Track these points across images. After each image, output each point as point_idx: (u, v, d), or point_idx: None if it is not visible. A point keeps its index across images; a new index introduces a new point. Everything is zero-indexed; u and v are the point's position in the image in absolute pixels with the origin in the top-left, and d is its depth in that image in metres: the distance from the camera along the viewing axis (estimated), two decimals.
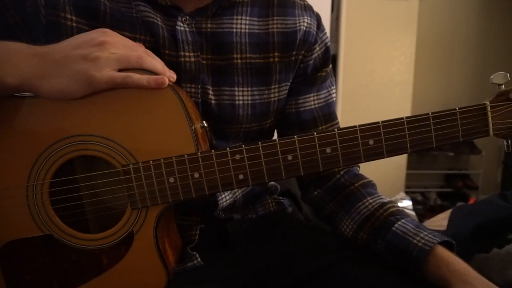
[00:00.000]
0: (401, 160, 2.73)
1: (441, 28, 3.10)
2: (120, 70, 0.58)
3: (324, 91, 0.82)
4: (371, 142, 0.59)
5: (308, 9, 0.79)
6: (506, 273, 1.23)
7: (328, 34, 0.84)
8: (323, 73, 0.81)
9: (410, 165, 2.85)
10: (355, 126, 0.59)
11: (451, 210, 1.51)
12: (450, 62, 3.16)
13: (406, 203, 2.04)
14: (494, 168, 3.20)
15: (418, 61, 2.69)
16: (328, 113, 0.82)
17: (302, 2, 0.79)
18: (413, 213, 1.99)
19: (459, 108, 0.59)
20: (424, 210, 2.94)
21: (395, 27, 2.57)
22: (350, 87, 2.58)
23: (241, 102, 0.73)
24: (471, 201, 2.17)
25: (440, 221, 1.61)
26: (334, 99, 0.84)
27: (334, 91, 0.85)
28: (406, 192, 2.41)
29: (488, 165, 3.13)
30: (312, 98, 0.80)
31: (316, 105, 0.81)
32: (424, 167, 3.19)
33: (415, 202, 2.76)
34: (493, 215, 1.29)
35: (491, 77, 0.60)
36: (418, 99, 2.79)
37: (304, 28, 0.76)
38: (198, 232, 0.75)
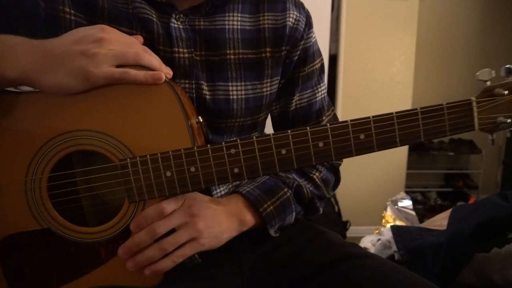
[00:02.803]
0: (401, 159, 2.73)
1: (441, 28, 3.10)
2: (118, 66, 0.60)
3: (308, 90, 0.83)
4: (362, 136, 0.60)
5: (299, 5, 0.80)
6: (506, 272, 1.23)
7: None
8: (307, 71, 0.82)
9: (410, 165, 2.85)
10: (346, 121, 0.61)
11: (451, 209, 1.51)
12: (450, 62, 3.16)
13: (406, 203, 2.03)
14: (494, 167, 3.20)
15: (418, 61, 2.69)
16: (307, 113, 0.84)
17: None
18: (413, 212, 1.99)
19: (446, 103, 0.61)
20: (424, 209, 2.94)
21: (395, 27, 2.57)
22: (350, 87, 2.58)
23: (235, 96, 0.74)
24: (471, 201, 2.16)
25: (440, 220, 1.61)
26: (320, 97, 0.85)
27: (321, 89, 0.85)
28: (406, 192, 2.40)
29: (488, 165, 3.12)
30: (294, 99, 0.82)
31: (297, 105, 0.83)
32: (424, 166, 3.19)
33: (415, 201, 2.75)
34: (493, 214, 1.30)
35: (477, 73, 0.63)
36: (418, 98, 2.79)
37: (291, 24, 0.77)
38: None
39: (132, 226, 0.63)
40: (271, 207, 0.74)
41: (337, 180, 0.89)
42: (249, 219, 0.73)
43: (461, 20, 3.12)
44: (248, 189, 0.74)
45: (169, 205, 0.63)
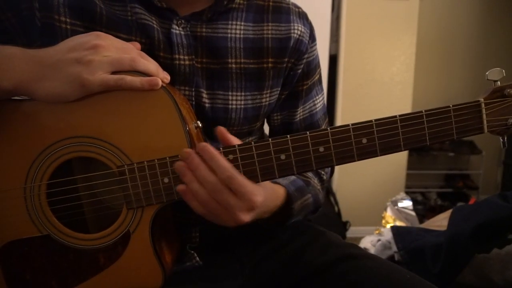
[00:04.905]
0: (401, 160, 2.73)
1: (441, 28, 3.10)
2: (114, 73, 0.59)
3: (309, 101, 0.83)
4: (364, 140, 0.59)
5: (303, 17, 0.79)
6: (506, 273, 1.23)
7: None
8: (309, 84, 0.82)
9: (410, 165, 2.85)
10: (348, 125, 0.59)
11: (452, 210, 1.51)
12: (450, 62, 3.16)
13: (406, 203, 2.04)
14: (494, 168, 3.20)
15: (418, 61, 2.69)
16: (310, 123, 0.84)
17: (297, 9, 0.79)
18: (413, 213, 1.99)
19: (452, 106, 0.59)
20: (425, 210, 2.94)
21: (395, 27, 2.57)
22: (350, 87, 2.58)
23: (234, 106, 0.74)
24: (472, 201, 2.16)
25: (441, 221, 1.61)
26: (319, 107, 0.85)
27: (321, 98, 0.86)
28: (406, 192, 2.40)
29: (489, 165, 3.13)
30: (298, 111, 0.82)
31: (301, 117, 0.83)
32: (425, 167, 3.19)
33: (415, 202, 2.75)
34: (493, 215, 1.30)
35: (487, 73, 0.60)
36: (418, 99, 2.79)
37: (297, 36, 0.77)
38: (198, 234, 0.75)
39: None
40: (299, 207, 0.75)
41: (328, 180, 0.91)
42: (272, 210, 0.71)
43: (461, 20, 3.12)
44: (286, 182, 0.73)
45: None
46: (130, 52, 0.61)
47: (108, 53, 0.59)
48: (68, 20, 0.67)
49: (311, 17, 0.82)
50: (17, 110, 0.63)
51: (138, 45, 0.65)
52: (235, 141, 0.61)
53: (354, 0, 2.50)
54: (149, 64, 0.61)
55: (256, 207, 0.60)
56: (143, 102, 0.60)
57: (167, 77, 0.63)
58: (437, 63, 3.15)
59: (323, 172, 0.84)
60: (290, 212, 0.73)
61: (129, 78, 0.58)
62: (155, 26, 0.69)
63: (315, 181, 0.81)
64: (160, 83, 0.59)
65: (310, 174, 0.81)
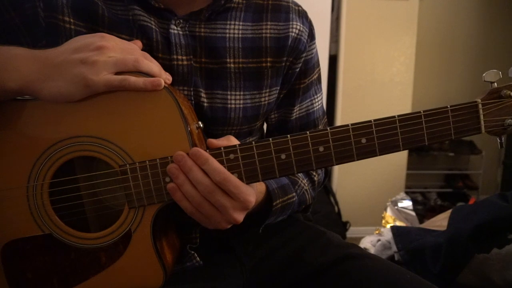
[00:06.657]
0: (401, 160, 2.73)
1: (441, 28, 3.10)
2: (118, 73, 0.60)
3: (307, 100, 0.83)
4: (363, 140, 0.60)
5: (302, 15, 0.79)
6: (506, 273, 1.24)
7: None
8: (307, 82, 0.82)
9: (410, 165, 2.85)
10: (347, 125, 0.60)
11: (451, 210, 1.51)
12: (450, 62, 3.17)
13: (406, 203, 2.04)
14: (494, 168, 3.20)
15: (418, 61, 2.70)
16: (306, 122, 0.84)
17: (296, 8, 0.79)
18: (413, 213, 1.99)
19: (450, 106, 0.60)
20: (424, 210, 2.94)
21: (395, 27, 2.57)
22: (350, 87, 2.58)
23: (233, 105, 0.74)
24: (471, 201, 2.16)
25: (440, 221, 1.61)
26: (317, 107, 0.85)
27: (319, 98, 0.85)
28: (406, 192, 2.41)
29: (488, 165, 3.13)
30: (295, 110, 0.82)
31: (297, 115, 0.83)
32: (424, 167, 3.19)
33: (415, 202, 2.75)
34: (493, 215, 1.30)
35: (483, 75, 0.61)
36: (418, 99, 2.79)
37: (295, 35, 0.77)
38: (198, 235, 0.75)
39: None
40: (279, 205, 0.74)
41: (324, 182, 0.90)
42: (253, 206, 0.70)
43: (461, 21, 3.12)
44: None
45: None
46: (134, 53, 0.62)
47: (113, 54, 0.59)
48: (72, 20, 0.67)
49: (311, 17, 0.82)
50: (22, 109, 0.63)
51: (139, 43, 0.66)
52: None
53: (354, 0, 2.50)
54: (152, 65, 0.62)
55: (250, 207, 0.62)
56: (145, 102, 0.60)
57: (169, 77, 0.64)
58: (437, 63, 3.15)
59: (314, 173, 0.84)
60: (270, 209, 0.73)
61: (132, 79, 0.59)
62: (153, 27, 0.69)
63: (303, 181, 0.81)
64: (163, 83, 0.60)
65: (299, 174, 0.81)
